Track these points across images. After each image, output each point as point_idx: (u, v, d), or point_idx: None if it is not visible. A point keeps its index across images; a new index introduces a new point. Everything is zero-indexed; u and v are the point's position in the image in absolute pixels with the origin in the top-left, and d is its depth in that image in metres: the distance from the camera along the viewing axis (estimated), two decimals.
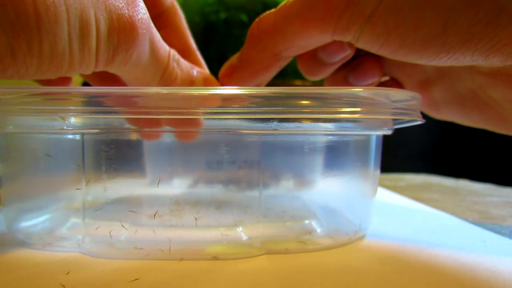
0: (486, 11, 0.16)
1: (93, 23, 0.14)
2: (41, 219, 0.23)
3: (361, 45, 0.19)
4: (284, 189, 0.23)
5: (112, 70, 0.17)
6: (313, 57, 0.23)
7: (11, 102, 0.16)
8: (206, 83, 0.21)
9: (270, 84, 0.22)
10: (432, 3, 0.16)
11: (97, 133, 0.20)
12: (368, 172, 0.23)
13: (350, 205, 0.24)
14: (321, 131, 0.21)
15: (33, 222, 0.22)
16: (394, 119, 0.21)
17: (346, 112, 0.17)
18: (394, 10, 0.17)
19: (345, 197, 0.23)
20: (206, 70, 0.23)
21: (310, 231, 0.22)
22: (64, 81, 0.21)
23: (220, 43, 0.34)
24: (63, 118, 0.18)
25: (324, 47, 0.22)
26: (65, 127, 0.19)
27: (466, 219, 0.29)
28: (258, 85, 0.23)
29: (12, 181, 0.22)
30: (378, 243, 0.22)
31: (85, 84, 0.25)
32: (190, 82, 0.20)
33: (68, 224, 0.22)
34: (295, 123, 0.19)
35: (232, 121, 0.19)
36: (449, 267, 0.18)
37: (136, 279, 0.16)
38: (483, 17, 0.16)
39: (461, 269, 0.18)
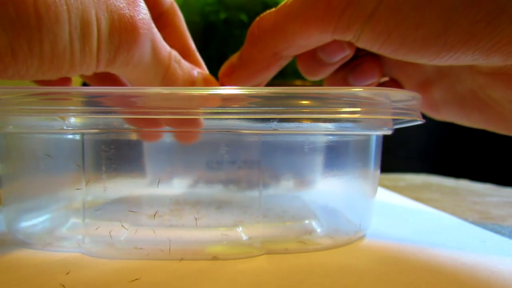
0: (486, 11, 0.16)
1: (94, 23, 0.14)
2: (41, 219, 0.23)
3: (361, 44, 0.19)
4: (284, 189, 0.23)
5: (113, 70, 0.17)
6: (313, 57, 0.22)
7: (11, 102, 0.16)
8: (206, 83, 0.21)
9: (270, 84, 0.22)
10: (432, 2, 0.16)
11: (97, 133, 0.20)
12: (368, 172, 0.23)
13: (350, 205, 0.24)
14: (321, 131, 0.20)
15: (33, 222, 0.22)
16: (394, 119, 0.21)
17: (346, 112, 0.17)
18: (394, 9, 0.17)
19: (345, 197, 0.23)
20: (205, 71, 0.23)
21: (310, 231, 0.22)
22: (64, 81, 0.21)
23: (220, 43, 0.34)
24: (63, 118, 0.18)
25: (324, 47, 0.22)
26: (65, 127, 0.19)
27: (466, 219, 0.29)
28: (258, 85, 0.23)
29: (12, 181, 0.22)
30: (378, 243, 0.22)
31: (85, 84, 0.25)
32: (191, 82, 0.20)
33: (68, 224, 0.22)
34: (295, 123, 0.19)
35: (232, 121, 0.19)
36: (449, 267, 0.18)
37: (136, 279, 0.16)
38: (483, 16, 0.16)
39: (461, 269, 0.18)
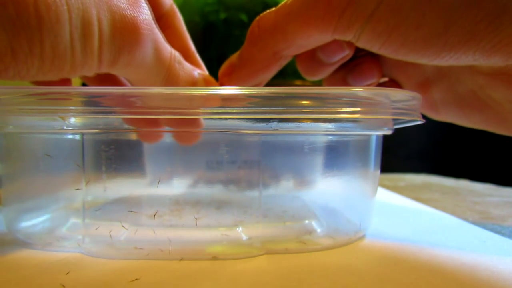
0: (487, 11, 0.16)
1: (96, 23, 0.14)
2: (41, 219, 0.23)
3: (362, 44, 0.19)
4: (284, 189, 0.23)
5: (115, 71, 0.16)
6: (312, 57, 0.22)
7: (11, 102, 0.16)
8: (206, 84, 0.21)
9: (270, 84, 0.22)
10: (433, 2, 0.16)
11: (97, 133, 0.20)
12: (368, 172, 0.23)
13: (350, 205, 0.24)
14: (321, 131, 0.20)
15: (33, 222, 0.22)
16: (394, 119, 0.21)
17: (346, 112, 0.17)
18: (395, 9, 0.17)
19: (345, 197, 0.23)
20: (206, 72, 0.23)
21: (310, 231, 0.22)
22: (64, 81, 0.21)
23: (220, 43, 0.34)
24: (63, 118, 0.18)
25: (323, 47, 0.21)
26: (65, 127, 0.19)
27: (466, 219, 0.29)
28: (258, 85, 0.23)
29: (12, 181, 0.22)
30: (378, 243, 0.22)
31: (84, 85, 0.25)
32: (192, 83, 0.20)
33: (68, 224, 0.22)
34: (295, 123, 0.19)
35: (232, 121, 0.19)
36: (449, 267, 0.18)
37: (136, 279, 0.16)
38: (484, 16, 0.16)
39: (461, 269, 0.18)
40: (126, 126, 0.19)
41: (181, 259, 0.18)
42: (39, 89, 0.17)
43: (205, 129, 0.20)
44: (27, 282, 0.15)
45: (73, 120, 0.19)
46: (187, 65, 0.20)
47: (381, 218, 0.27)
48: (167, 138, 0.22)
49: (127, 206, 0.21)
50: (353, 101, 0.17)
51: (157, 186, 0.20)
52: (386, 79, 0.26)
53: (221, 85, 0.23)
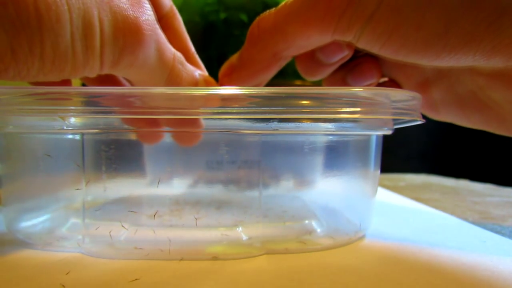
0: (488, 12, 0.16)
1: (97, 23, 0.14)
2: (41, 219, 0.23)
3: (361, 45, 0.19)
4: (284, 189, 0.23)
5: (117, 72, 0.16)
6: (311, 57, 0.22)
7: (11, 102, 0.16)
8: (207, 85, 0.21)
9: (270, 84, 0.22)
10: (433, 3, 0.16)
11: (97, 133, 0.20)
12: (368, 172, 0.23)
13: (350, 205, 0.24)
14: (321, 131, 0.20)
15: (33, 222, 0.22)
16: (394, 119, 0.21)
17: (346, 112, 0.17)
18: (395, 10, 0.17)
19: (345, 197, 0.23)
20: (206, 73, 0.23)
21: (310, 231, 0.22)
22: (64, 81, 0.21)
23: (220, 43, 0.34)
24: (63, 118, 0.18)
25: (323, 48, 0.21)
26: (65, 127, 0.19)
27: (466, 219, 0.29)
28: (258, 85, 0.23)
29: (12, 181, 0.22)
30: (378, 243, 0.22)
31: (84, 85, 0.25)
32: (194, 84, 0.20)
33: (68, 224, 0.22)
34: (295, 123, 0.19)
35: (232, 121, 0.19)
36: (449, 267, 0.18)
37: (136, 279, 0.16)
38: (485, 17, 0.16)
39: (461, 269, 0.18)
40: (126, 126, 0.19)
41: (181, 259, 0.18)
42: (39, 89, 0.17)
43: (205, 129, 0.20)
44: (27, 282, 0.15)
45: (73, 120, 0.19)
46: (189, 66, 0.20)
47: (381, 218, 0.27)
48: (167, 138, 0.22)
49: (127, 206, 0.21)
50: (353, 101, 0.17)
51: (157, 186, 0.20)
52: (385, 79, 0.26)
53: (221, 85, 0.23)
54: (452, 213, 0.31)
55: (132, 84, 0.19)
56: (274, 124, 0.19)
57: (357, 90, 0.18)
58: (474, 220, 0.29)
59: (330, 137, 0.21)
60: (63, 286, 0.15)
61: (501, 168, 1.05)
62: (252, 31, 0.21)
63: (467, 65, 0.18)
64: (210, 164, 0.22)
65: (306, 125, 0.19)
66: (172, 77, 0.19)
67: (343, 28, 0.18)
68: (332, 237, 0.21)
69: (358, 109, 0.17)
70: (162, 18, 0.22)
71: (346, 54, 0.22)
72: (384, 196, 0.41)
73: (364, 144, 0.23)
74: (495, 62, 0.17)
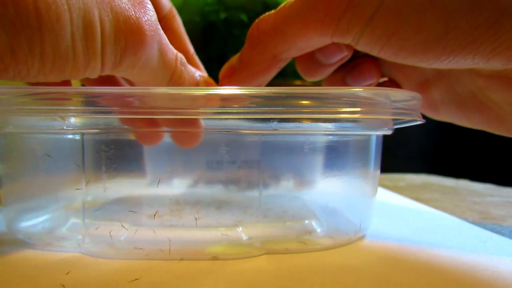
0: (487, 14, 0.16)
1: (98, 24, 0.14)
2: (41, 219, 0.23)
3: (361, 47, 0.19)
4: (284, 189, 0.23)
5: (119, 73, 0.16)
6: (311, 58, 0.22)
7: (11, 102, 0.16)
8: (207, 86, 0.21)
9: (270, 84, 0.22)
10: (433, 5, 0.16)
11: (97, 133, 0.20)
12: (368, 172, 0.23)
13: (350, 205, 0.24)
14: (321, 131, 0.20)
15: (33, 222, 0.22)
16: (394, 119, 0.21)
17: (346, 112, 0.17)
18: (394, 12, 0.17)
19: (345, 197, 0.23)
20: (205, 74, 0.23)
21: (310, 231, 0.22)
22: (64, 81, 0.21)
23: (220, 43, 0.34)
24: (63, 118, 0.18)
25: (322, 49, 0.21)
26: (65, 127, 0.19)
27: (466, 219, 0.29)
28: (258, 86, 0.23)
29: (12, 181, 0.22)
30: (378, 243, 0.22)
31: (84, 85, 0.25)
32: (195, 86, 0.20)
33: (68, 224, 0.22)
34: (295, 123, 0.19)
35: (232, 121, 0.19)
36: (449, 267, 0.18)
37: (136, 279, 0.16)
38: (484, 20, 0.16)
39: (461, 269, 0.18)
40: (126, 126, 0.19)
41: (181, 259, 0.18)
42: (39, 89, 0.17)
43: (205, 129, 0.20)
44: (27, 282, 0.15)
45: (73, 120, 0.19)
46: (190, 68, 0.20)
47: (381, 218, 0.27)
48: (167, 138, 0.22)
49: (127, 206, 0.21)
50: (353, 101, 0.17)
51: (157, 186, 0.20)
52: (385, 79, 0.26)
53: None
54: (452, 213, 0.31)
55: (132, 85, 0.19)
56: (274, 124, 0.19)
57: (357, 90, 0.18)
58: (474, 220, 0.29)
59: (330, 137, 0.21)
60: (63, 286, 0.15)
61: (501, 168, 1.05)
62: (251, 33, 0.21)
63: (466, 68, 0.18)
64: (210, 164, 0.22)
65: (306, 125, 0.19)
66: (175, 79, 0.19)
67: (342, 30, 0.18)
68: (332, 237, 0.21)
69: (358, 109, 0.17)
70: (162, 20, 0.22)
71: (345, 55, 0.22)
72: (384, 196, 0.41)
73: (364, 144, 0.23)
74: (495, 65, 0.17)
